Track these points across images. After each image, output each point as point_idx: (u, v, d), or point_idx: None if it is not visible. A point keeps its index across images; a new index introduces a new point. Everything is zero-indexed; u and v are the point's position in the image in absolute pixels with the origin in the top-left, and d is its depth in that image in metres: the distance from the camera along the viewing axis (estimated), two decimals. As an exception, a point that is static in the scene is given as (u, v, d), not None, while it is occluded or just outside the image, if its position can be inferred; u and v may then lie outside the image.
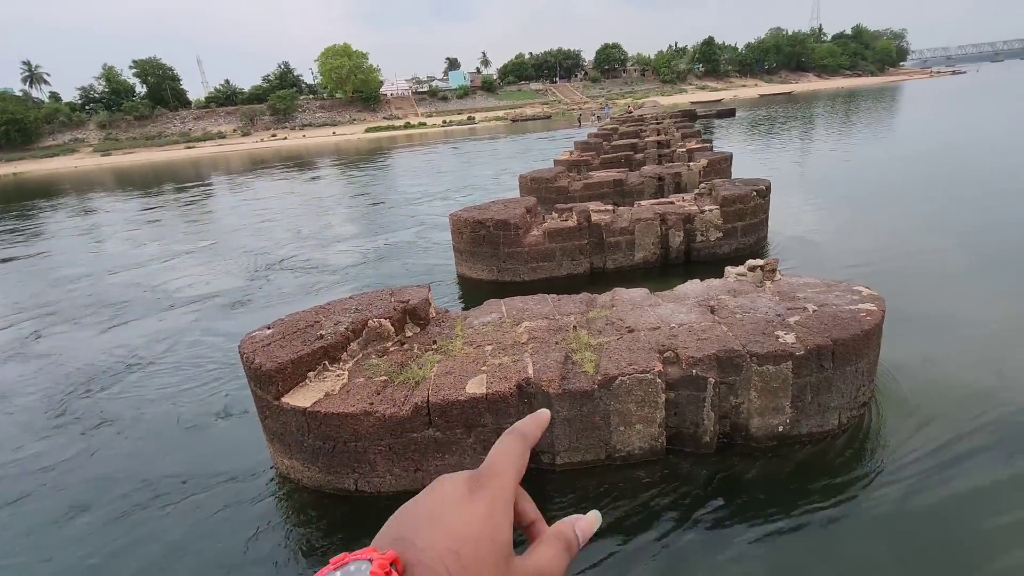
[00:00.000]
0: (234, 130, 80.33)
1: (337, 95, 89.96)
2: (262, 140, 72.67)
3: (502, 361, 4.34)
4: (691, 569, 3.42)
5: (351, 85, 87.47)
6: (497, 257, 8.85)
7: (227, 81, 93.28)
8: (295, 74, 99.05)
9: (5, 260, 15.21)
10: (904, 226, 10.23)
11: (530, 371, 4.13)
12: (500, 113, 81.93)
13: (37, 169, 60.04)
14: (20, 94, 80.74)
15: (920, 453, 4.17)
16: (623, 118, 31.74)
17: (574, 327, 4.83)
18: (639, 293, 5.51)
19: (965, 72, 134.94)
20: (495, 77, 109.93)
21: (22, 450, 5.46)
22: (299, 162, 40.11)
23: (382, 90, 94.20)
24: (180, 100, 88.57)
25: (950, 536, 3.47)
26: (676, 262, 9.06)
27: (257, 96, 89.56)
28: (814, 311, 4.61)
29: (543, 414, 0.58)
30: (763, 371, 4.13)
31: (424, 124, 77.79)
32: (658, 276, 8.64)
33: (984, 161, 15.88)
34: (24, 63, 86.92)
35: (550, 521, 0.55)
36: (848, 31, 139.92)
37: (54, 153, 70.36)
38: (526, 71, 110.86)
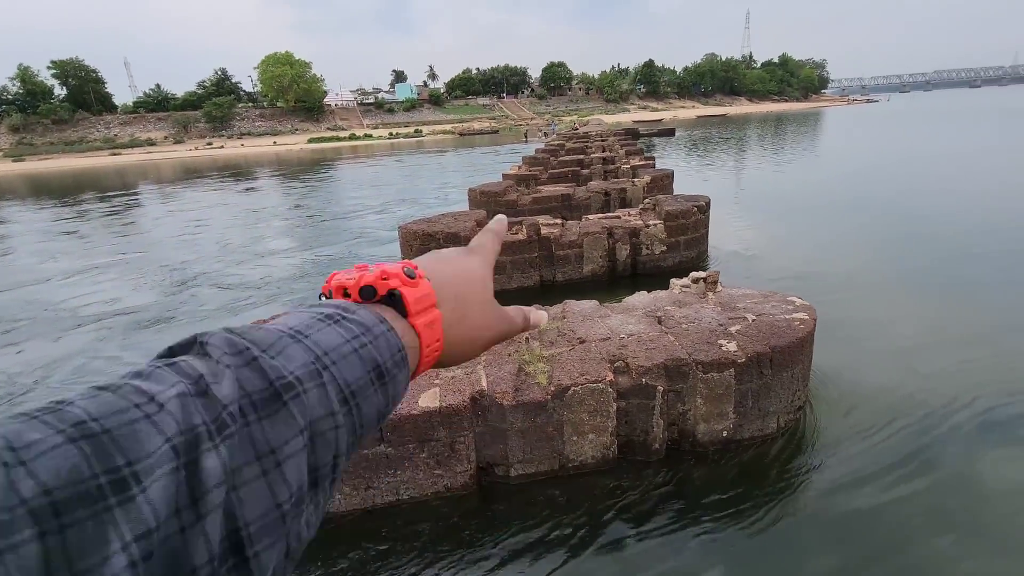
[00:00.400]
0: (165, 137, 76.37)
1: (278, 104, 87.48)
2: (196, 148, 69.44)
3: (455, 374, 4.30)
4: (644, 573, 3.48)
5: (293, 94, 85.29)
6: (447, 270, 8.79)
7: (158, 86, 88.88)
8: (233, 81, 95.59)
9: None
10: (830, 240, 10.97)
11: (484, 383, 4.12)
12: (448, 127, 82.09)
13: (-63, 174, 54.80)
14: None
15: (851, 452, 4.44)
16: (569, 135, 32.51)
17: (526, 339, 4.85)
18: (589, 305, 5.62)
19: (878, 101, 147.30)
20: (442, 91, 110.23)
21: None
22: (236, 172, 38.60)
23: (326, 100, 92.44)
24: (105, 104, 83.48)
25: (879, 528, 3.70)
26: (623, 275, 9.31)
27: (191, 103, 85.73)
28: (753, 320, 4.84)
29: (502, 217, 0.75)
30: (708, 378, 4.29)
31: (370, 136, 76.76)
32: (606, 288, 8.85)
33: (899, 181, 17.31)
34: (-77, 59, 79.53)
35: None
36: (776, 59, 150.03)
37: (-43, 157, 64.53)
38: (473, 86, 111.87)
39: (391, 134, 77.35)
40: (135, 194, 29.21)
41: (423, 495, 4.09)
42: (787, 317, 4.86)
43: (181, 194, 27.53)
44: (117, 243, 15.72)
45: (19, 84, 76.89)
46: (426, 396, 4.00)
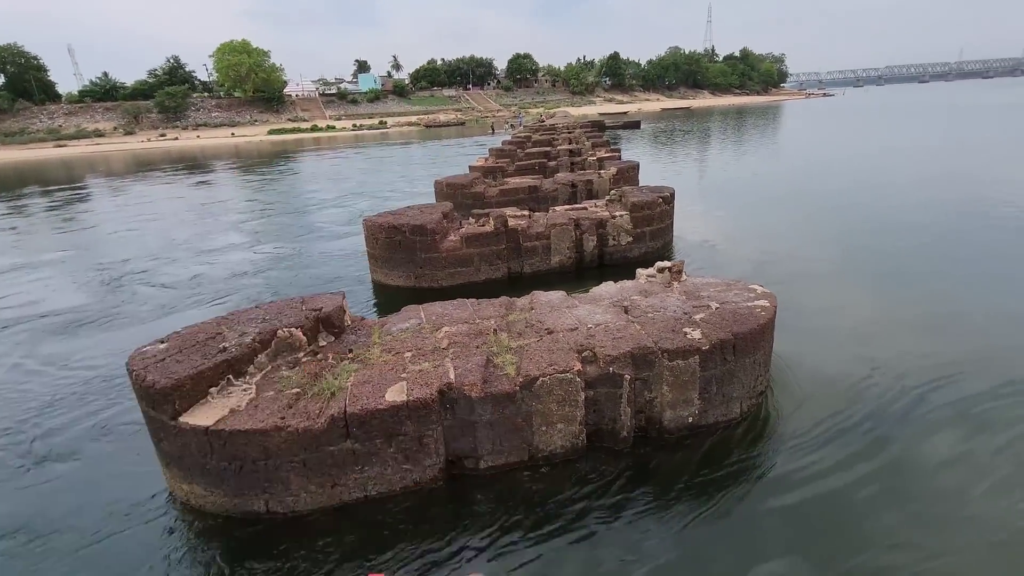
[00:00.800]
0: (115, 128, 72.83)
1: (236, 94, 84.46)
2: (149, 140, 66.50)
3: (422, 367, 4.25)
4: (613, 559, 3.52)
5: (251, 84, 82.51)
6: (414, 263, 8.69)
7: (106, 74, 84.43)
8: (187, 70, 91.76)
9: None
10: (789, 231, 11.30)
11: (452, 376, 4.08)
12: (413, 119, 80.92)
13: None
14: None
15: (809, 436, 4.59)
16: (536, 127, 32.51)
17: (494, 331, 4.84)
18: (557, 296, 5.64)
19: (834, 95, 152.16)
20: (407, 82, 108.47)
21: None
22: (191, 165, 37.15)
23: (286, 91, 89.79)
24: (47, 93, 78.96)
25: (835, 506, 3.85)
26: (590, 265, 9.37)
27: (142, 92, 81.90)
28: (716, 308, 4.94)
29: None
30: (673, 366, 4.36)
31: (333, 127, 75.00)
32: (574, 279, 8.90)
33: (853, 173, 17.94)
34: None
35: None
36: (737, 53, 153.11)
37: None
38: (439, 77, 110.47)
39: (355, 126, 75.73)
40: (81, 188, 27.79)
41: (392, 490, 4.04)
42: (749, 305, 4.97)
43: (130, 188, 26.33)
44: (56, 239, 14.90)
45: (-49, 71, 72.15)
46: (393, 390, 3.94)
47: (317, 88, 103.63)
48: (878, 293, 7.72)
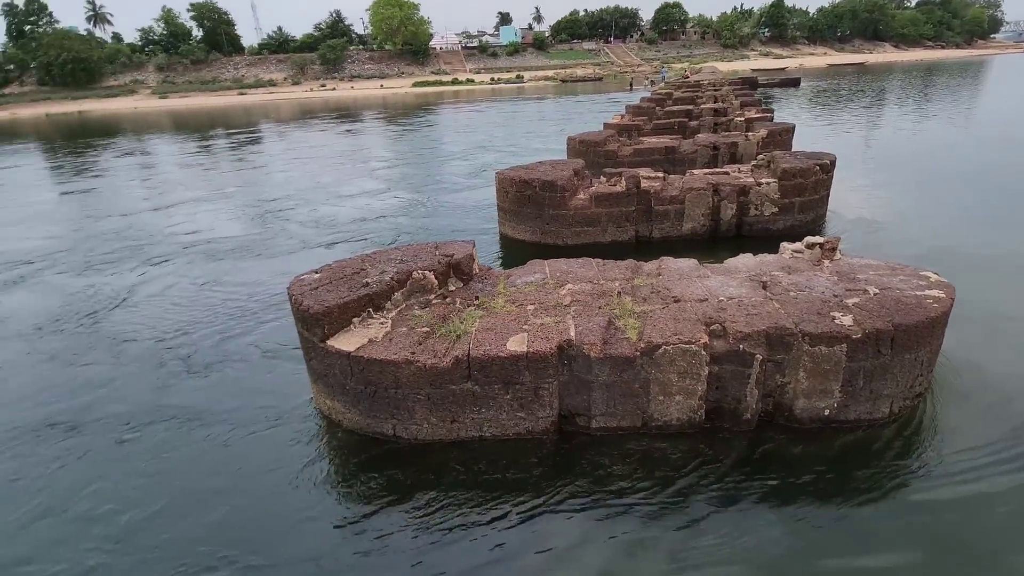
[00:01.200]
0: (285, 78, 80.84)
1: (386, 47, 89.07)
2: (311, 90, 73.05)
3: (544, 321, 4.32)
4: (715, 543, 3.39)
5: (401, 37, 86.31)
6: (541, 219, 8.73)
7: (280, 28, 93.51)
8: (346, 23, 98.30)
9: (65, 193, 16.03)
10: (974, 214, 9.55)
11: (572, 333, 4.10)
12: (550, 73, 79.66)
13: (99, 108, 62.14)
14: (84, 33, 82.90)
15: (970, 452, 3.97)
16: (678, 83, 30.44)
17: (618, 293, 4.74)
18: (687, 263, 5.35)
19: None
20: (547, 34, 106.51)
21: (68, 375, 5.82)
22: (343, 114, 40.26)
23: (431, 43, 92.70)
24: (234, 46, 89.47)
25: (982, 543, 3.31)
26: (726, 235, 8.75)
27: (308, 45, 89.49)
28: (875, 294, 4.37)
29: None
30: (815, 352, 3.97)
31: (472, 81, 76.50)
32: (706, 248, 8.37)
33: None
34: (88, 2, 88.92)
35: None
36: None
37: (115, 93, 72.50)
38: (580, 29, 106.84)
39: (492, 79, 76.48)
40: (255, 132, 31.52)
41: (504, 434, 4.23)
42: (918, 294, 4.34)
43: (292, 133, 29.34)
44: (229, 177, 17.17)
45: (163, 26, 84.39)
46: (514, 340, 4.06)
47: (460, 41, 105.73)
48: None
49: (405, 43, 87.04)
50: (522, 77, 77.39)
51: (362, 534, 3.58)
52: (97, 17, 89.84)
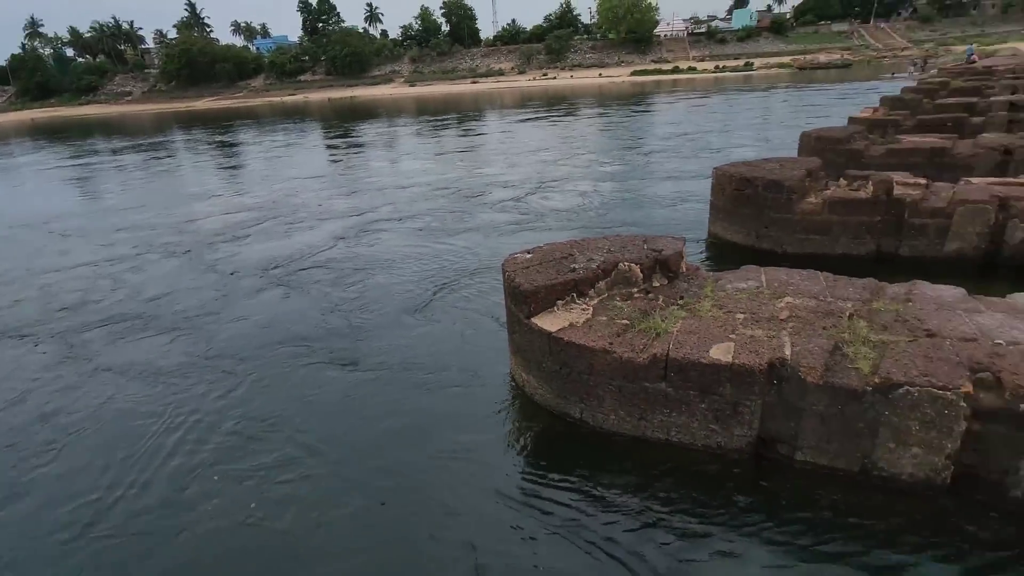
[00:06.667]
0: (512, 68, 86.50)
1: (610, 36, 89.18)
2: (534, 79, 76.85)
3: (754, 333, 3.98)
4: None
5: (625, 25, 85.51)
6: (760, 221, 7.99)
7: (513, 21, 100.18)
8: (574, 13, 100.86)
9: (335, 161, 19.58)
10: None
11: (787, 351, 3.71)
12: (785, 59, 71.34)
13: (366, 94, 74.28)
14: (361, 30, 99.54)
15: None
16: (959, 70, 24.77)
17: (850, 315, 4.13)
18: (951, 292, 4.41)
19: None
20: (788, 16, 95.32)
21: (312, 322, 7.11)
22: (558, 103, 41.54)
23: (656, 31, 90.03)
24: (473, 38, 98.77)
25: None
26: (1008, 263, 6.97)
27: (537, 35, 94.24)
28: None
29: None
30: None
31: (694, 69, 72.39)
32: (975, 277, 6.75)
33: None
34: (367, 5, 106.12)
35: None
36: None
37: (377, 82, 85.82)
38: (831, 8, 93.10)
39: (717, 68, 71.37)
40: (479, 117, 34.49)
41: (693, 444, 4.04)
42: None
43: (509, 119, 31.40)
44: (453, 161, 18.94)
45: (419, 23, 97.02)
46: (719, 348, 3.83)
47: (687, 26, 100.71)
48: None
49: (629, 31, 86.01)
50: (751, 64, 70.76)
51: (526, 503, 3.80)
52: (372, 17, 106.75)
